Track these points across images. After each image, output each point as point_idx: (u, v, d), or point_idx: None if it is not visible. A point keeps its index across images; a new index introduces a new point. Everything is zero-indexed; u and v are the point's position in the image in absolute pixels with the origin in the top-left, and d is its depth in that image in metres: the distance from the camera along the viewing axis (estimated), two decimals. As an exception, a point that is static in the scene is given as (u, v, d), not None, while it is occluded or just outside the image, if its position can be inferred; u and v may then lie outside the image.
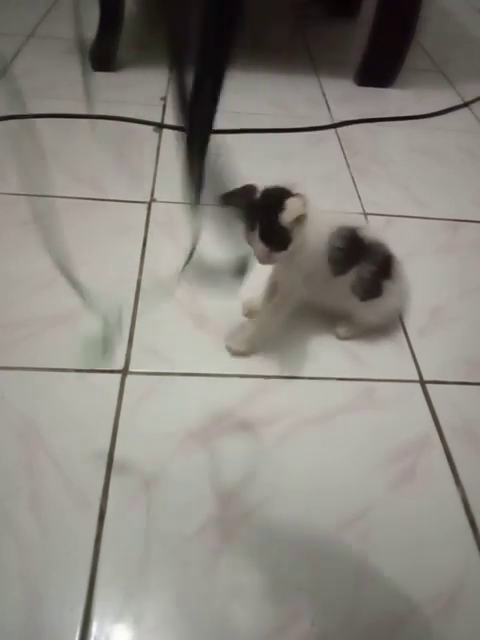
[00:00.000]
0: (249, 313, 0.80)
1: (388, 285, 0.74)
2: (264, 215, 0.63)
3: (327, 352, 0.78)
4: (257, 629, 0.52)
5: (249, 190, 0.64)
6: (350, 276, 0.72)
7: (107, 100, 1.29)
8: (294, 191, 0.64)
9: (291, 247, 0.64)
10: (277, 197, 0.63)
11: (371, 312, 0.77)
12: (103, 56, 1.40)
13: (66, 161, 1.09)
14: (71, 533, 0.56)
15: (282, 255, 0.65)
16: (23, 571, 0.53)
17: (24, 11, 1.68)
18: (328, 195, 1.09)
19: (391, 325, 0.82)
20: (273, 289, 0.76)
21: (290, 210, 0.61)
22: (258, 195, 0.64)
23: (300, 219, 0.62)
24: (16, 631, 0.50)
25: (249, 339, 0.76)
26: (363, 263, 0.71)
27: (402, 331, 0.83)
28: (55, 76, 1.38)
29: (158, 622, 0.52)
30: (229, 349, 0.76)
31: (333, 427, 0.69)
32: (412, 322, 0.84)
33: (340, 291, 0.73)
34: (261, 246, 0.64)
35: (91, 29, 1.40)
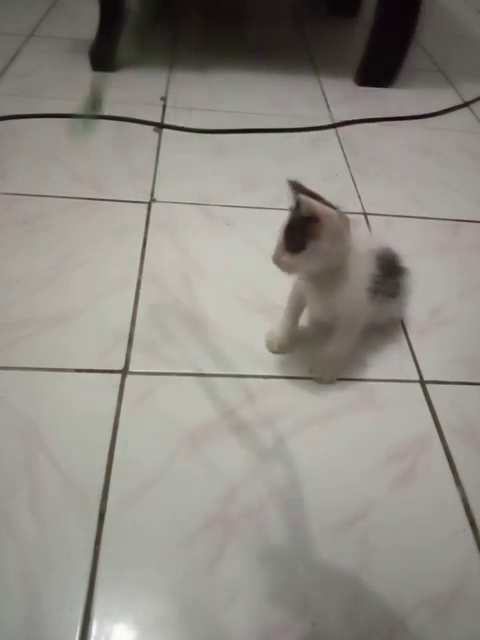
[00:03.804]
0: (279, 348, 0.77)
1: (402, 282, 0.75)
2: (296, 211, 0.60)
3: (327, 352, 0.78)
4: (257, 629, 0.52)
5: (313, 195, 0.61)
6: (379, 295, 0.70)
7: (107, 100, 1.29)
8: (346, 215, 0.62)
9: (301, 257, 0.60)
10: (321, 202, 0.59)
11: (390, 309, 0.77)
12: (103, 56, 1.40)
13: (66, 161, 1.09)
14: (71, 533, 0.56)
15: (291, 261, 0.60)
16: (23, 571, 0.53)
17: (24, 11, 1.68)
18: (328, 195, 1.08)
19: (391, 325, 0.82)
20: (294, 314, 0.76)
21: (316, 203, 0.58)
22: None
23: (329, 232, 0.58)
24: (16, 631, 0.50)
25: (333, 368, 0.74)
26: (388, 280, 0.70)
27: (402, 331, 0.83)
28: (55, 76, 1.38)
29: (158, 622, 0.52)
30: (319, 381, 0.74)
31: (333, 427, 0.69)
32: (412, 322, 0.84)
33: (369, 309, 0.72)
34: (280, 236, 0.60)
35: (91, 29, 1.40)
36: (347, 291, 0.65)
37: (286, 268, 0.63)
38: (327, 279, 0.65)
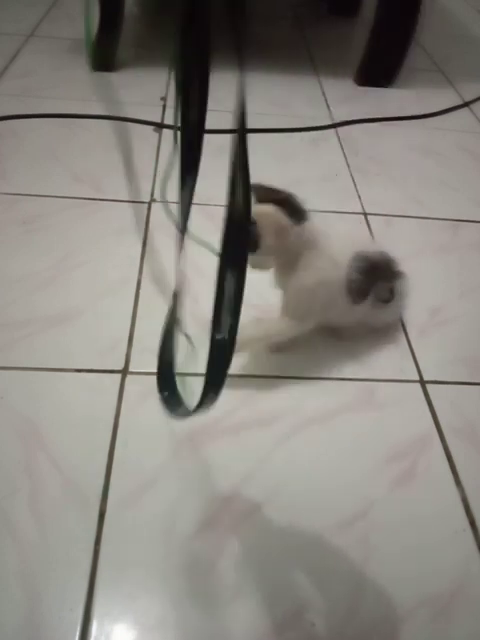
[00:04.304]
0: (279, 348, 0.77)
1: (397, 287, 0.75)
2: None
3: (327, 352, 0.78)
4: (257, 629, 0.52)
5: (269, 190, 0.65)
6: (369, 299, 0.72)
7: (107, 100, 1.29)
8: (300, 212, 0.65)
9: (257, 256, 0.63)
10: (261, 194, 0.64)
11: (386, 313, 0.78)
12: (103, 56, 1.40)
13: (66, 161, 1.09)
14: (71, 533, 0.56)
15: (254, 260, 0.62)
16: (23, 571, 0.53)
17: (24, 11, 1.68)
18: (328, 195, 1.08)
19: (391, 325, 0.82)
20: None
21: (256, 211, 0.61)
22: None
23: (269, 228, 0.62)
24: (16, 631, 0.50)
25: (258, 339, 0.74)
26: (379, 283, 0.72)
27: (402, 331, 0.83)
28: (55, 76, 1.38)
29: (158, 622, 0.52)
30: (240, 342, 0.74)
31: (333, 427, 0.69)
32: (412, 322, 0.84)
33: (359, 312, 0.73)
34: None
35: (91, 29, 1.40)
36: (292, 287, 0.68)
37: (251, 267, 0.64)
38: (289, 268, 0.68)
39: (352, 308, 0.71)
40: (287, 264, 0.68)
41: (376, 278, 0.71)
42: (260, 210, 0.63)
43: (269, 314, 0.80)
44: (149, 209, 1.00)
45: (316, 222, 0.67)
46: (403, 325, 0.84)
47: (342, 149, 1.23)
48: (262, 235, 0.63)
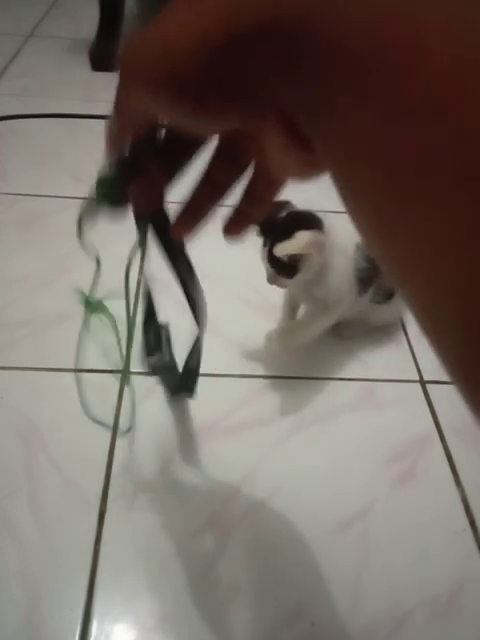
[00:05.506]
0: (279, 348, 0.75)
1: None
2: (274, 238, 0.61)
3: (327, 352, 0.78)
4: (257, 629, 0.52)
5: (279, 205, 0.63)
6: (371, 290, 0.72)
7: (107, 100, 1.29)
8: (321, 223, 0.63)
9: (299, 277, 0.63)
10: (293, 225, 0.61)
11: (387, 312, 0.78)
12: (103, 56, 1.40)
13: (66, 161, 1.09)
14: (71, 533, 0.56)
15: (290, 282, 0.64)
16: (23, 571, 0.53)
17: (24, 11, 1.68)
18: (328, 195, 1.08)
19: (391, 325, 0.82)
20: (291, 310, 0.76)
21: (292, 244, 0.60)
22: (284, 214, 0.63)
23: (307, 253, 0.61)
24: (16, 631, 0.50)
25: (285, 341, 0.73)
26: (382, 275, 0.71)
27: (402, 331, 0.83)
28: (55, 76, 1.38)
29: (158, 622, 0.52)
30: (266, 348, 0.73)
31: (333, 427, 0.69)
32: (412, 322, 0.84)
33: (361, 304, 0.73)
34: (267, 266, 0.64)
35: (91, 29, 1.40)
36: (330, 280, 0.66)
37: (284, 287, 0.68)
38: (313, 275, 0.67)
39: (355, 299, 0.71)
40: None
41: (379, 270, 0.70)
42: (308, 248, 0.60)
43: (265, 309, 0.80)
44: (149, 209, 1.00)
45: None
46: (403, 325, 0.84)
47: (342, 149, 1.23)
48: (311, 255, 0.61)
